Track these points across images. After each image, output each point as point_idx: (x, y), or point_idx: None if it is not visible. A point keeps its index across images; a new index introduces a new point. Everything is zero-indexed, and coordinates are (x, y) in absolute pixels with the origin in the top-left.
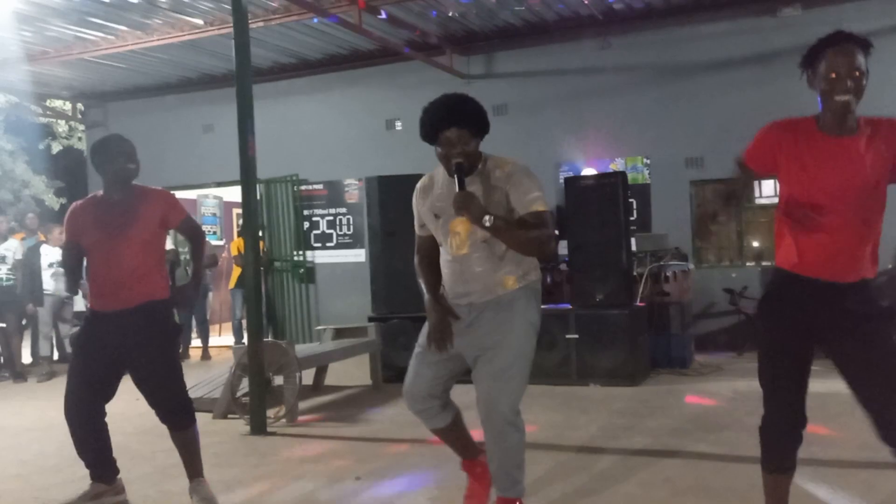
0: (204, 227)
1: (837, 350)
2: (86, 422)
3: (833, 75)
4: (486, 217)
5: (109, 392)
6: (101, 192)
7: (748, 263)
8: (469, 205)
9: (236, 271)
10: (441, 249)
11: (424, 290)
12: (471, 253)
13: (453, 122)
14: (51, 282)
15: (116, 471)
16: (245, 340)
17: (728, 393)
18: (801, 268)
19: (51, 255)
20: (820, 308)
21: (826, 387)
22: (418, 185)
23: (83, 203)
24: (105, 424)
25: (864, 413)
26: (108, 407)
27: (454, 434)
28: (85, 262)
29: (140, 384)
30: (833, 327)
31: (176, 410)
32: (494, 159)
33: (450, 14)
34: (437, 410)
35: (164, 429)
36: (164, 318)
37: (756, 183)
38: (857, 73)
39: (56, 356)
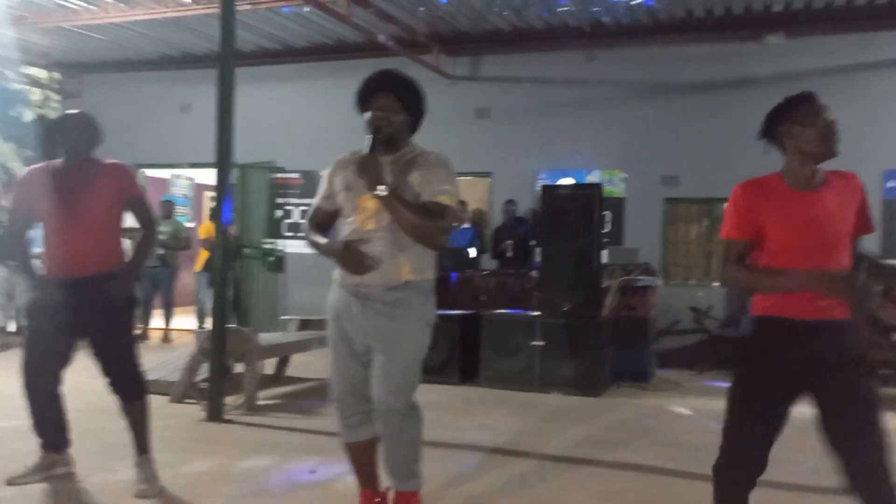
0: (176, 209)
1: (814, 393)
2: (43, 389)
3: (828, 125)
4: (382, 187)
5: (66, 359)
6: (59, 162)
7: (715, 284)
8: (369, 168)
9: (203, 255)
10: (342, 227)
11: (317, 241)
12: (375, 231)
13: (383, 88)
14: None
15: (68, 441)
16: (207, 325)
17: (686, 410)
18: (775, 309)
19: None
20: (799, 349)
21: None
22: (339, 158)
23: (38, 169)
24: (60, 392)
25: (833, 458)
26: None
27: (368, 455)
28: (41, 231)
29: (94, 353)
30: (813, 371)
31: (126, 380)
32: (422, 152)
33: None
34: (363, 419)
35: (115, 408)
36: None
37: None
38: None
39: (13, 327)
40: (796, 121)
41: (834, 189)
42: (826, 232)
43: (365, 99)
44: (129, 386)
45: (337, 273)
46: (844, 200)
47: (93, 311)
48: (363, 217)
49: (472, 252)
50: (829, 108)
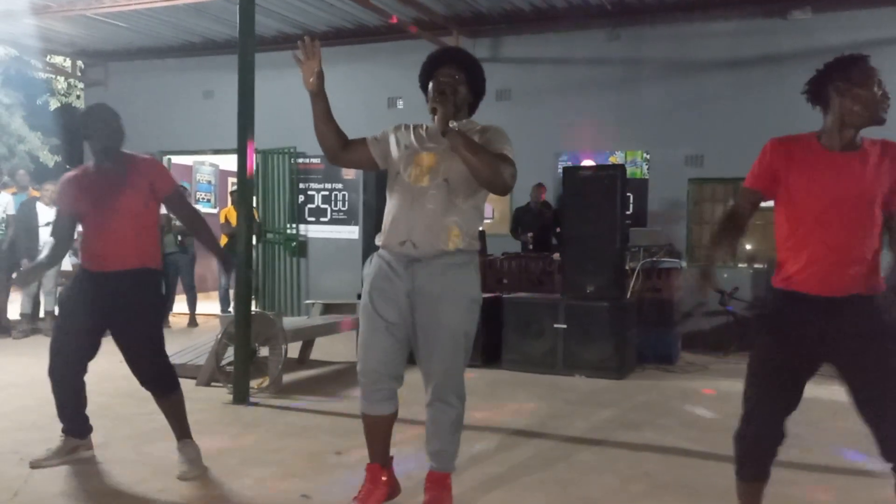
0: (199, 194)
1: (841, 367)
2: (69, 380)
3: (878, 88)
4: (453, 122)
5: (93, 351)
6: (91, 163)
7: (740, 265)
8: (445, 104)
9: (223, 239)
10: (390, 187)
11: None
12: (428, 187)
13: (450, 60)
14: (45, 240)
15: (90, 428)
16: (231, 309)
17: (712, 392)
18: (797, 284)
19: (46, 214)
20: (819, 326)
21: (808, 392)
22: (401, 123)
23: (74, 174)
24: (84, 382)
25: (867, 430)
26: (91, 367)
27: (384, 430)
28: (79, 228)
29: (122, 349)
30: (835, 345)
31: (156, 378)
32: (476, 123)
33: None
34: (389, 394)
35: (144, 393)
36: (152, 287)
37: None
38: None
39: (42, 314)
40: (851, 80)
41: (870, 155)
42: (850, 195)
43: (430, 72)
44: (161, 382)
45: (380, 237)
46: (880, 169)
47: (123, 307)
48: (417, 173)
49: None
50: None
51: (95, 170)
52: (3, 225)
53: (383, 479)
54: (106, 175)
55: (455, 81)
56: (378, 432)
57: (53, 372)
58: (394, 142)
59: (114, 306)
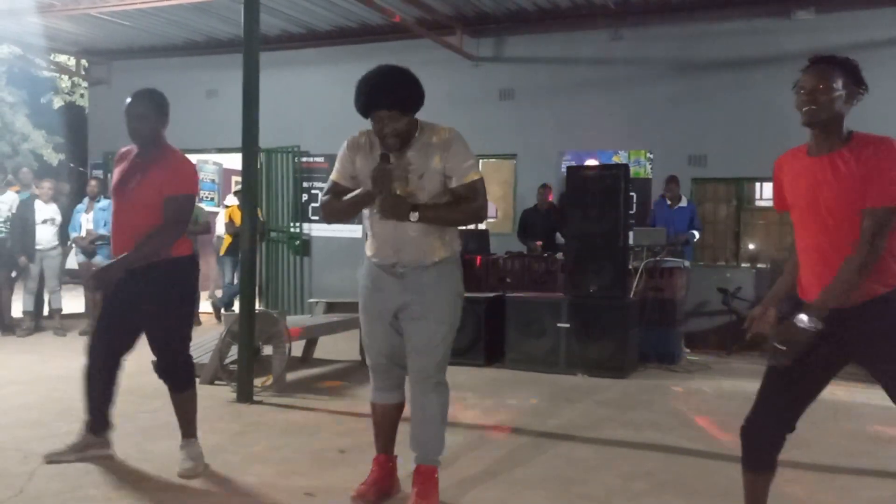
0: (202, 193)
1: (868, 367)
2: (104, 366)
3: (800, 91)
4: (413, 214)
5: (129, 342)
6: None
7: (743, 264)
8: (396, 208)
9: (227, 239)
10: (369, 211)
11: (348, 197)
12: None
13: (382, 105)
14: (43, 237)
15: (109, 426)
16: (235, 308)
17: (714, 391)
18: (803, 294)
19: (44, 211)
20: (835, 334)
21: None
22: (354, 139)
23: (124, 151)
24: (118, 376)
25: None
26: None
27: (391, 419)
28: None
29: (149, 337)
30: (856, 348)
31: (176, 370)
32: (431, 127)
33: None
34: (397, 382)
35: (148, 390)
36: (182, 276)
37: (758, 185)
38: (820, 87)
39: (46, 311)
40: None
41: (849, 157)
42: (820, 199)
43: (365, 110)
44: (179, 375)
45: (369, 250)
46: (860, 168)
47: (152, 296)
48: None
49: (696, 235)
50: (818, 72)
51: (135, 154)
52: (9, 223)
53: (390, 465)
54: (137, 162)
55: (392, 123)
56: (386, 421)
57: (91, 354)
58: (360, 166)
59: (142, 298)
